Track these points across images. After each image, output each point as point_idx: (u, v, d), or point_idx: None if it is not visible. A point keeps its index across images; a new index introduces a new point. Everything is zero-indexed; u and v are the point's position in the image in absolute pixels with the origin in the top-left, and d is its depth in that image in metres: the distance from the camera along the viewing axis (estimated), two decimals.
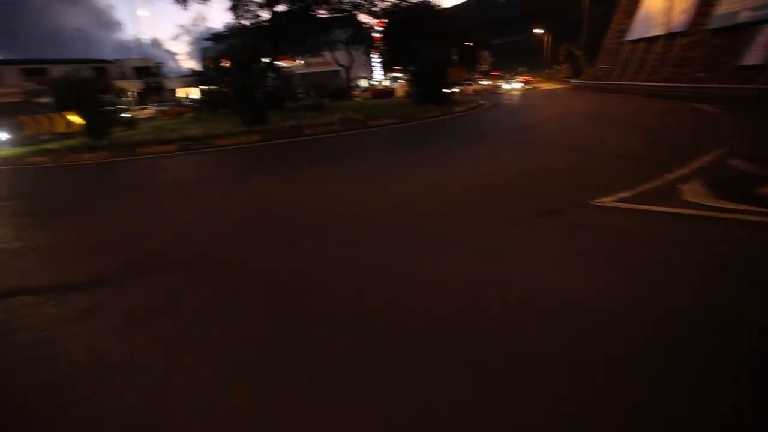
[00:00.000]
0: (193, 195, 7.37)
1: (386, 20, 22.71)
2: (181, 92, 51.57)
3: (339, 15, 25.54)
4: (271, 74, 18.63)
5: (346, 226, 5.01)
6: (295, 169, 8.75)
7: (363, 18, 26.17)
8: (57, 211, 7.19)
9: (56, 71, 37.80)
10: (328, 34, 26.87)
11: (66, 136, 15.77)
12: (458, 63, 20.74)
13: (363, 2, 24.74)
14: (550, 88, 39.92)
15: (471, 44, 27.20)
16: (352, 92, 32.10)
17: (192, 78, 57.24)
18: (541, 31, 51.12)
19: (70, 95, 15.70)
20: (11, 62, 47.75)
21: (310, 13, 24.97)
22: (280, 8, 24.46)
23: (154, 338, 3.04)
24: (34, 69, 44.62)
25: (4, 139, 23.97)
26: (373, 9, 24.82)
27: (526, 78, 48.85)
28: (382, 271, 3.72)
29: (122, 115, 17.98)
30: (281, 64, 23.55)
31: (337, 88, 30.73)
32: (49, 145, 16.09)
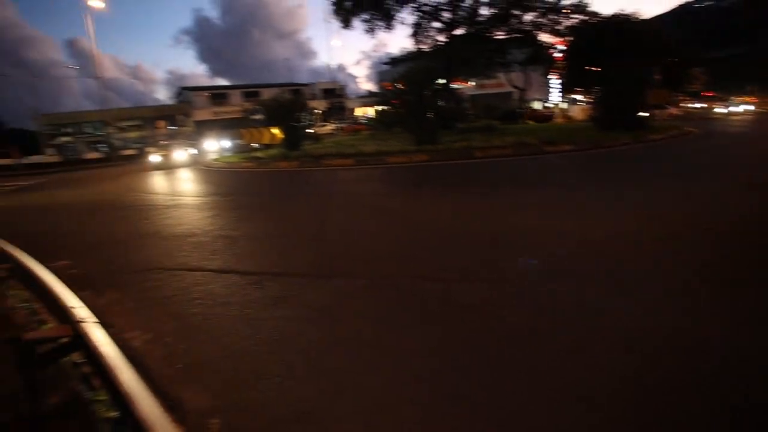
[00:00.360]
0: (372, 206, 7.72)
1: (571, 38, 20.99)
2: (359, 111, 57.22)
3: (518, 35, 24.83)
4: (444, 95, 18.97)
5: (528, 262, 4.47)
6: (467, 192, 8.49)
7: (543, 37, 24.86)
8: (262, 209, 8.39)
9: (266, 93, 46.35)
10: (504, 55, 26.32)
11: (268, 146, 18.69)
12: (660, 83, 17.78)
13: (546, 21, 23.50)
14: None
15: (677, 60, 23.16)
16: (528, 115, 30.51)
17: (369, 98, 63.26)
18: None
19: (275, 113, 18.68)
20: (236, 87, 60.67)
21: (487, 35, 24.87)
22: (458, 31, 24.99)
23: (335, 337, 3.20)
24: (251, 92, 55.74)
25: (227, 147, 30.11)
26: (556, 28, 23.34)
27: (754, 99, 39.03)
28: (598, 329, 3.10)
29: (308, 130, 20.62)
30: (454, 85, 23.90)
31: (508, 111, 29.78)
32: (257, 153, 19.38)
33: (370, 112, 50.91)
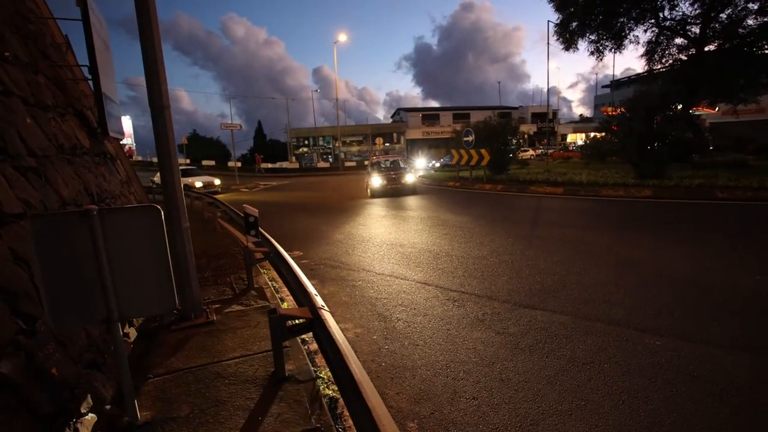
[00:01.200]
0: (579, 241, 6.98)
1: None
2: (571, 137, 53.36)
3: None
4: (679, 123, 15.99)
5: None
6: (700, 236, 6.85)
7: None
8: (463, 228, 8.58)
9: (475, 116, 47.68)
10: None
11: (474, 167, 19.02)
12: None
13: None
14: None
15: None
16: None
17: (581, 124, 58.26)
18: None
19: (484, 135, 18.95)
20: (446, 109, 64.41)
21: (753, 49, 19.57)
22: (707, 48, 20.52)
23: (534, 372, 3.09)
24: (461, 114, 58.29)
25: (437, 165, 32.36)
26: None
27: None
28: None
29: (512, 155, 20.17)
30: (692, 112, 19.56)
31: None
32: (462, 173, 20.05)
33: (581, 138, 46.85)
